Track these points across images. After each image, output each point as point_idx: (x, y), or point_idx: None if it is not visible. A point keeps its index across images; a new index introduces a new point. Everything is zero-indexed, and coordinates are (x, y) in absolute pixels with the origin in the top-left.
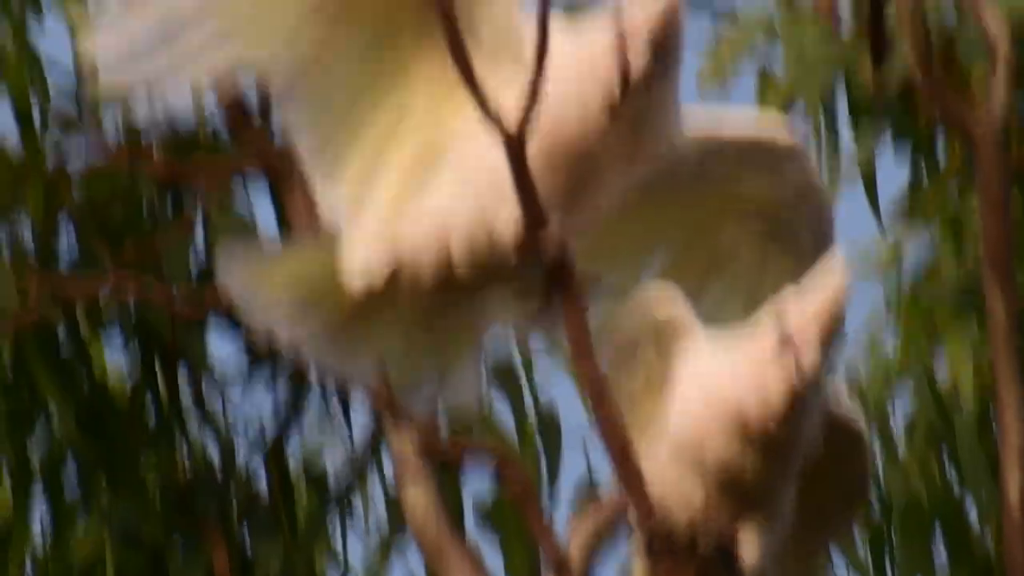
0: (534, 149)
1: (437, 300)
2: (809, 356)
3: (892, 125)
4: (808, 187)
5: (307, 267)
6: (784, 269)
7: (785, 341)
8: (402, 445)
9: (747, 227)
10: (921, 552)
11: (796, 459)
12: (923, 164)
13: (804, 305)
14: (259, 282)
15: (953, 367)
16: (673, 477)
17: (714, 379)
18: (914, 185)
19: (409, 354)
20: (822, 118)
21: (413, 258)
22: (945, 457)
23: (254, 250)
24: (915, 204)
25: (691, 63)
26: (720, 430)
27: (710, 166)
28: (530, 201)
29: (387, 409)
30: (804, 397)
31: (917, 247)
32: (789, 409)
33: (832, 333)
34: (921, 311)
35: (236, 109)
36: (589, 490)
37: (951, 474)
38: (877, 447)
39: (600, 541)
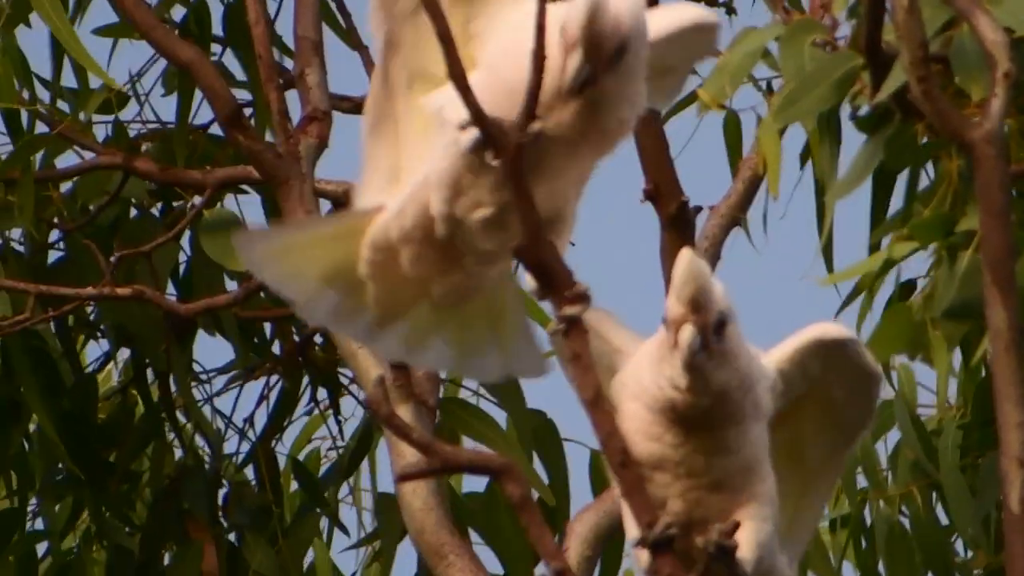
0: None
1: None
2: (684, 333)
3: (891, 137)
4: (862, 373)
5: (326, 244)
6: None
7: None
8: (400, 446)
9: (812, 416)
10: None
11: (745, 432)
12: (920, 176)
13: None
14: (293, 264)
15: (940, 389)
16: (653, 480)
17: (630, 371)
18: (911, 198)
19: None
20: (822, 132)
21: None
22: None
23: (282, 233)
24: (912, 217)
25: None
26: (648, 423)
27: (794, 383)
28: (529, 210)
29: (383, 420)
30: (707, 366)
31: (914, 263)
32: (697, 382)
33: (696, 300)
34: (911, 327)
35: (231, 114)
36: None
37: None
38: (863, 479)
39: (599, 545)
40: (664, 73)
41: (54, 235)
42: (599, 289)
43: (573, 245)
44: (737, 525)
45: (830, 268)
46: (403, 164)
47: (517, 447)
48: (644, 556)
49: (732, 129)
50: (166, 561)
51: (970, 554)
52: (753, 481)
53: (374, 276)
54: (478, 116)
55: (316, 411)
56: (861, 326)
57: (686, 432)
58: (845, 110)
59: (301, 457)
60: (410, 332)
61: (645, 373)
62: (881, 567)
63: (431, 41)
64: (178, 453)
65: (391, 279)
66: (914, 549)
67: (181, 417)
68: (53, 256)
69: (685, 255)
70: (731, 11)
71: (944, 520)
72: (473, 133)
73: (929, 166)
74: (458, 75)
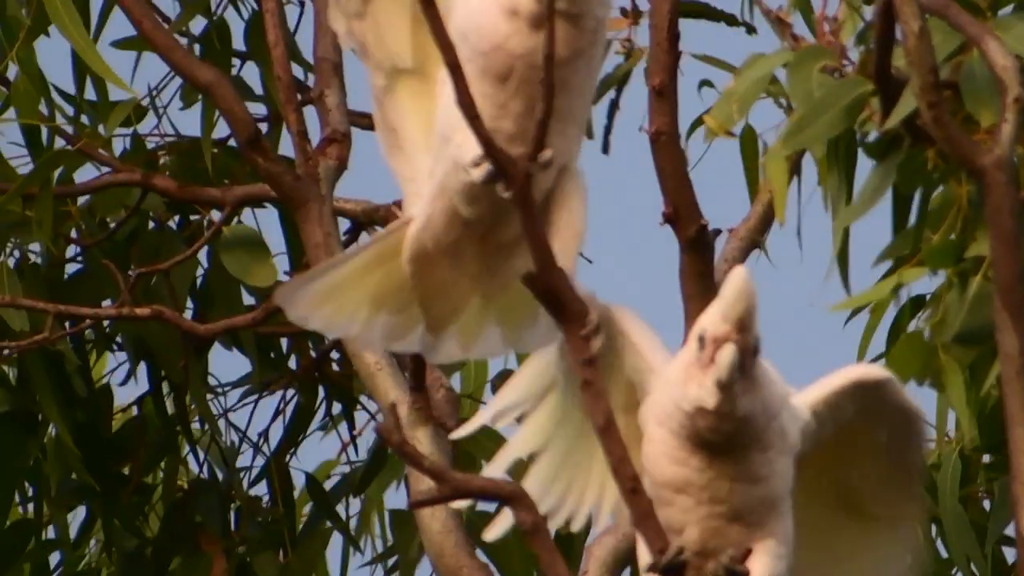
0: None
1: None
2: (725, 352)
3: (901, 163)
4: (902, 412)
5: (377, 271)
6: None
7: (703, 339)
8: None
9: (859, 462)
10: None
11: (770, 461)
12: (931, 203)
13: (713, 309)
14: (338, 303)
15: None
16: (675, 505)
17: (660, 394)
18: (921, 224)
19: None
20: (832, 158)
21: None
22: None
23: (319, 276)
24: (922, 243)
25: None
26: (673, 448)
27: (827, 424)
28: (539, 239)
29: (396, 447)
30: (735, 389)
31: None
32: (726, 404)
33: (744, 320)
34: (923, 354)
35: (250, 136)
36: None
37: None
38: None
39: (619, 569)
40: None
41: (72, 250)
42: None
43: (591, 263)
44: (749, 551)
45: (847, 288)
46: (418, 170)
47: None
48: None
49: (749, 151)
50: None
51: None
52: (773, 516)
53: (421, 287)
54: (489, 150)
55: (331, 426)
56: (866, 350)
57: (710, 457)
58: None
59: (313, 470)
60: (461, 330)
61: (669, 397)
62: None
63: (391, 33)
64: (192, 466)
65: (438, 286)
66: None
67: (196, 430)
68: (71, 269)
69: (740, 273)
70: (751, 30)
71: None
72: (485, 168)
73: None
74: (467, 105)
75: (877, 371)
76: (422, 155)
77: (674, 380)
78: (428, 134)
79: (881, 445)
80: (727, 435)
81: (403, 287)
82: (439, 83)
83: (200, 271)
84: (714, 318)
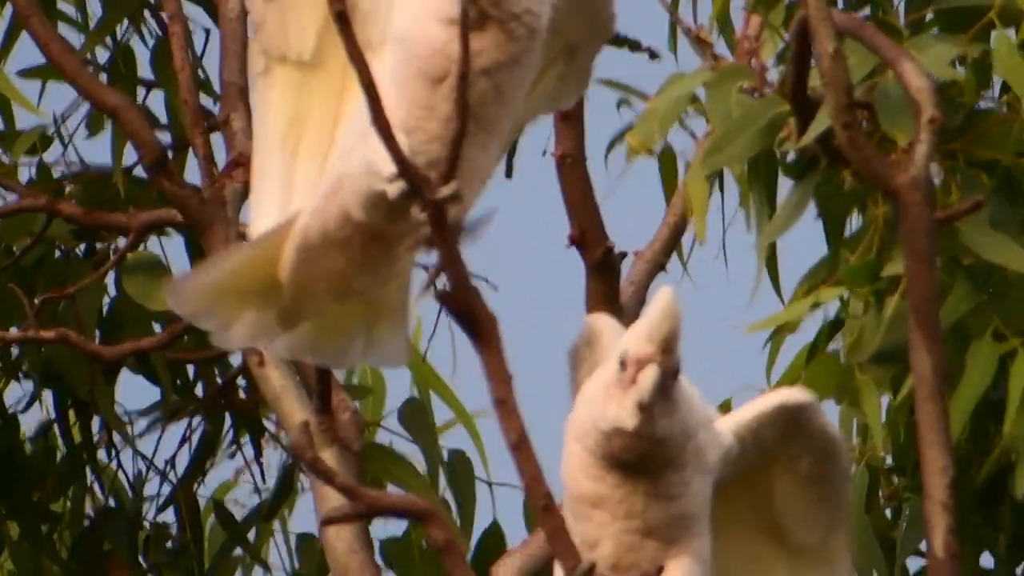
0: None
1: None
2: (647, 373)
3: (818, 183)
4: (826, 438)
5: (248, 268)
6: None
7: (624, 360)
8: (324, 490)
9: (783, 490)
10: None
11: (685, 481)
12: (846, 224)
13: (636, 330)
14: (207, 296)
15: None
16: (591, 519)
17: (579, 412)
18: (837, 244)
19: (341, 324)
20: (752, 177)
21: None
22: None
23: (198, 269)
24: (839, 263)
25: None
26: (589, 465)
27: (750, 449)
28: (454, 259)
29: (308, 464)
30: (655, 411)
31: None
32: (645, 426)
33: (668, 341)
34: (839, 373)
35: (156, 160)
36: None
37: None
38: None
39: None
40: None
41: None
42: (524, 334)
43: (496, 289)
44: (662, 569)
45: (780, 298)
46: (265, 168)
47: (434, 494)
48: None
49: (668, 171)
50: None
51: None
52: (688, 534)
53: (297, 279)
54: (404, 169)
55: (238, 454)
56: (771, 371)
57: (625, 475)
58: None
59: (222, 499)
60: (318, 330)
61: (588, 415)
62: None
63: (296, 26)
64: (99, 494)
65: (315, 278)
66: None
67: (102, 458)
68: None
69: (666, 293)
70: (653, 56)
71: None
72: (400, 185)
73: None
74: (382, 124)
75: (800, 395)
76: (273, 150)
77: (593, 399)
78: (288, 130)
79: (803, 472)
80: (642, 455)
81: (273, 285)
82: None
83: (107, 298)
84: (638, 338)
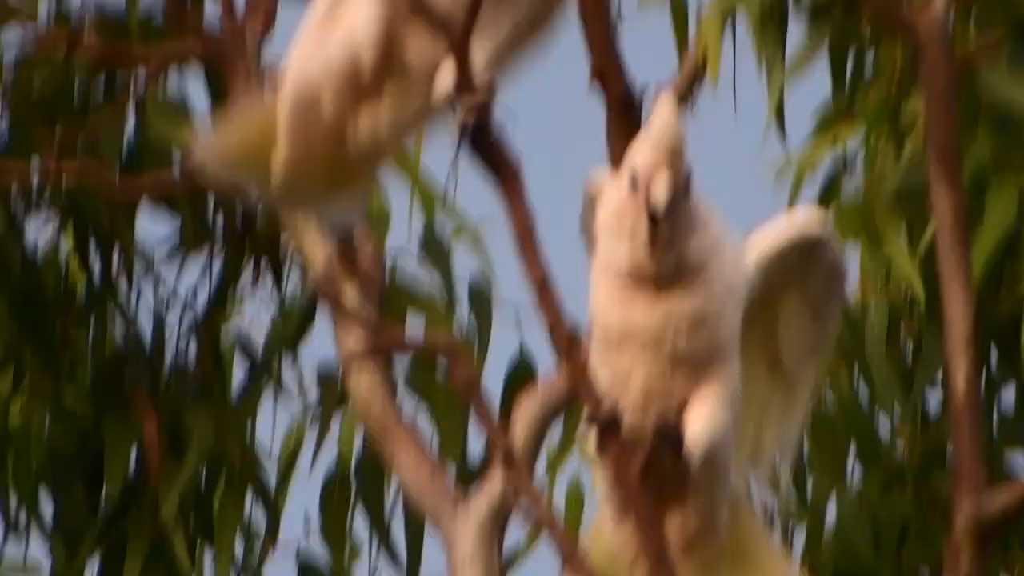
0: None
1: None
2: (658, 181)
3: (835, 25)
4: (835, 269)
5: (255, 124)
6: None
7: (634, 177)
8: (346, 325)
9: (787, 319)
10: (834, 464)
11: (715, 303)
12: (864, 66)
13: (640, 144)
14: (221, 149)
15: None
16: (621, 353)
17: (600, 242)
18: (855, 85)
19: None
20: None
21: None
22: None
23: (220, 122)
24: (855, 105)
25: None
26: (617, 293)
27: (769, 278)
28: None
29: (330, 301)
30: (672, 220)
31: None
32: (664, 234)
33: (674, 149)
34: (863, 213)
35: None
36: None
37: (861, 388)
38: None
39: (544, 426)
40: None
41: None
42: (545, 174)
43: (516, 120)
44: (684, 404)
45: (784, 141)
46: None
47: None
48: (593, 438)
49: (679, 15)
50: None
51: (898, 441)
52: (719, 363)
53: (292, 127)
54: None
55: (258, 285)
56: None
57: (655, 297)
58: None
59: (244, 331)
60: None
61: (609, 240)
62: (805, 446)
63: None
64: (120, 326)
65: (309, 130)
66: (839, 429)
67: (122, 298)
68: None
69: (665, 104)
70: None
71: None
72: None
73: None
74: None
75: (818, 223)
76: None
77: (611, 223)
78: None
79: (809, 302)
80: (670, 272)
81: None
82: None
83: (127, 132)
84: (644, 150)
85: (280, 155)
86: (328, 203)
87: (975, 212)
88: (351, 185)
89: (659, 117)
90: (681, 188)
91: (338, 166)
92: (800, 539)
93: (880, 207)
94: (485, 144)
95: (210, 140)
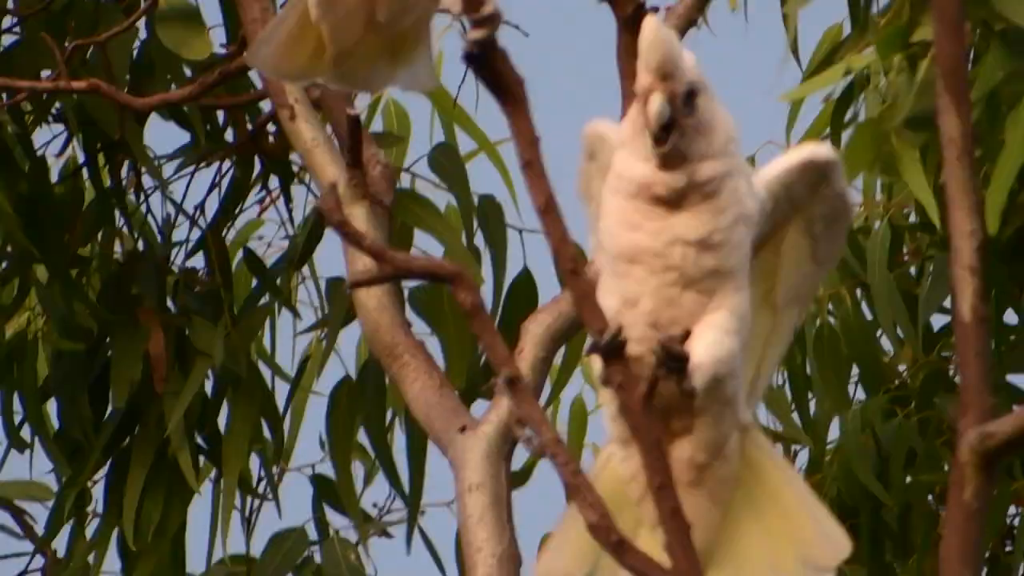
0: None
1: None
2: (652, 102)
3: None
4: (841, 200)
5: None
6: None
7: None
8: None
9: (790, 249)
10: (837, 383)
11: (726, 227)
12: None
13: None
14: (273, 51)
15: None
16: (629, 276)
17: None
18: (867, 9)
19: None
20: None
21: None
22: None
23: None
24: (868, 29)
25: None
26: (627, 214)
27: (776, 204)
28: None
29: (336, 226)
30: (676, 133)
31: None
32: (666, 148)
33: (663, 66)
34: (878, 141)
35: None
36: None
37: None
38: None
39: (554, 346)
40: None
41: (8, 21)
42: (556, 93)
43: (527, 35)
44: (688, 332)
45: (799, 63)
46: None
47: (468, 254)
48: (597, 363)
49: None
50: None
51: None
52: (728, 288)
53: (321, 6)
54: None
55: (267, 199)
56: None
57: (664, 218)
58: None
59: (251, 245)
60: (359, 61)
61: (619, 161)
62: (808, 367)
63: None
64: (128, 237)
65: (337, 5)
66: (841, 349)
67: (131, 202)
68: (7, 41)
69: (650, 22)
70: None
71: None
72: None
73: None
74: None
75: (826, 151)
76: None
77: (623, 142)
78: None
79: (814, 231)
80: (678, 189)
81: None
82: None
83: (138, 44)
84: (638, 73)
85: (324, 38)
86: (393, 74)
87: (989, 136)
88: (405, 52)
89: (644, 39)
90: (679, 104)
91: (381, 35)
92: (802, 461)
93: (894, 133)
94: (490, 65)
95: (260, 46)
